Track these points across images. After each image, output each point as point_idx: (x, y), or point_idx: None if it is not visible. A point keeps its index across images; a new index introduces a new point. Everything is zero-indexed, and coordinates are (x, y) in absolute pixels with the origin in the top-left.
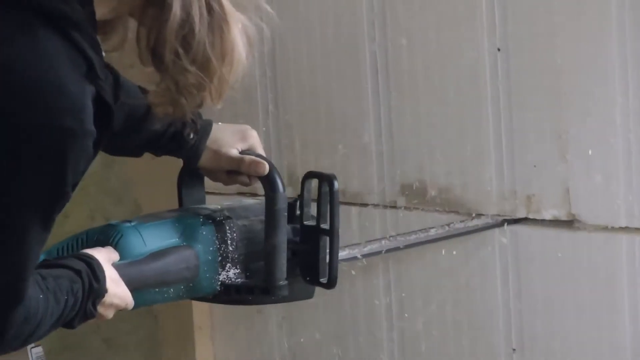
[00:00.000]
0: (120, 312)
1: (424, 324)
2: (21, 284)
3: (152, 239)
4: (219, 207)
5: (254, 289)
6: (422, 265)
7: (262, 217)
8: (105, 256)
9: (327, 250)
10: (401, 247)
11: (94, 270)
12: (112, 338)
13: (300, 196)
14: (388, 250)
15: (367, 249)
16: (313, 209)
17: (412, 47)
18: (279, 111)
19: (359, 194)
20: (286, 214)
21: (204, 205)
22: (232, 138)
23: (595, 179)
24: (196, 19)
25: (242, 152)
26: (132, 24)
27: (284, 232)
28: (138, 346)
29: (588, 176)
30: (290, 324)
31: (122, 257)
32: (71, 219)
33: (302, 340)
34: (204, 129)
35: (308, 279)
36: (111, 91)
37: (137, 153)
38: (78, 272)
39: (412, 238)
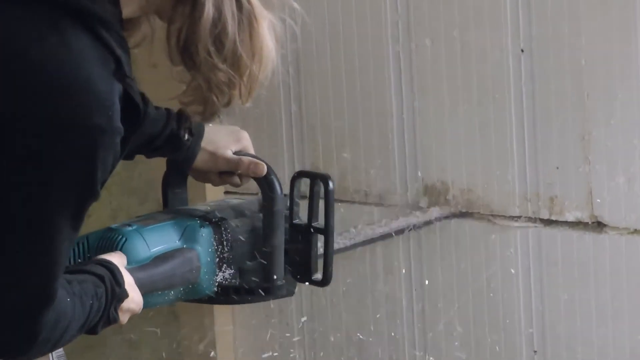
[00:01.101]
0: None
1: (445, 324)
2: (52, 285)
3: (155, 242)
4: (209, 208)
5: (254, 290)
6: (445, 266)
7: (253, 217)
8: (119, 261)
9: (319, 249)
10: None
11: (115, 275)
12: (133, 338)
13: (290, 195)
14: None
15: None
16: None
17: (435, 48)
18: (302, 111)
19: (382, 195)
20: (284, 214)
21: (193, 207)
22: (226, 139)
23: (618, 180)
24: (228, 16)
25: (235, 153)
26: (156, 22)
27: (282, 233)
28: (160, 346)
29: (611, 178)
30: (312, 325)
31: (127, 261)
32: (93, 219)
33: (323, 340)
34: (198, 131)
35: (299, 277)
36: (138, 90)
37: (129, 156)
38: (101, 278)
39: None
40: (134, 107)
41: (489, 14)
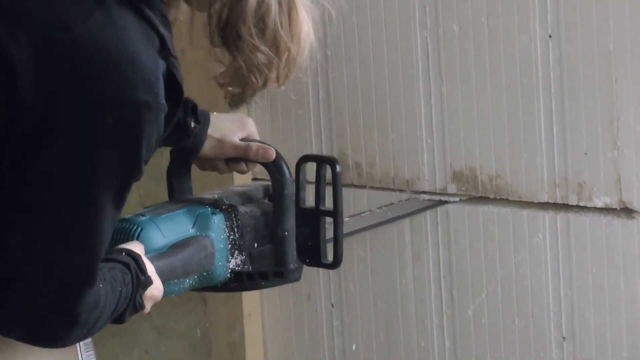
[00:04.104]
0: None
1: (474, 311)
2: (95, 265)
3: (170, 230)
4: (216, 195)
5: (267, 274)
6: (473, 252)
7: (259, 203)
8: (140, 250)
9: (329, 232)
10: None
11: (139, 263)
12: (161, 324)
13: (297, 180)
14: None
15: None
16: None
17: (463, 34)
18: (329, 97)
19: (410, 181)
20: (294, 198)
21: (200, 195)
22: (232, 126)
23: None
24: None
25: (242, 140)
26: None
27: (293, 216)
28: (187, 333)
29: (639, 163)
30: (340, 311)
31: (145, 250)
32: None
33: (352, 327)
34: (204, 119)
35: (308, 261)
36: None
37: None
38: (127, 265)
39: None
40: (176, 85)
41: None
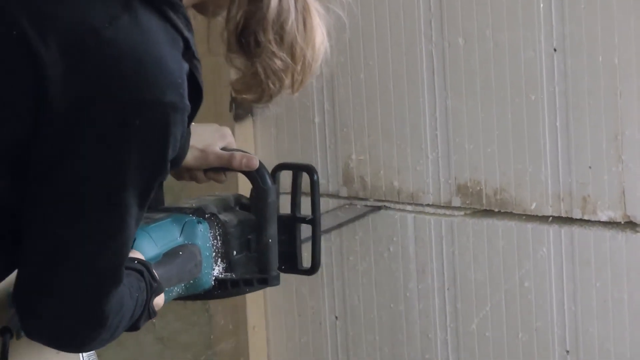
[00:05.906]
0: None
1: (478, 325)
2: (121, 265)
3: (160, 239)
4: (194, 204)
5: (252, 281)
6: (477, 265)
7: (235, 212)
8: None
9: (303, 239)
10: None
11: (150, 270)
12: (166, 336)
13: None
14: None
15: None
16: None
17: (468, 47)
18: (334, 110)
19: (414, 194)
20: (277, 206)
21: (178, 205)
22: (213, 136)
23: None
24: (291, 4)
25: (222, 149)
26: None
27: (276, 224)
28: (192, 345)
29: None
30: (344, 324)
31: None
32: None
33: (356, 340)
34: (187, 129)
35: (284, 267)
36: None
37: None
38: (140, 272)
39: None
40: (197, 88)
41: (522, 13)
